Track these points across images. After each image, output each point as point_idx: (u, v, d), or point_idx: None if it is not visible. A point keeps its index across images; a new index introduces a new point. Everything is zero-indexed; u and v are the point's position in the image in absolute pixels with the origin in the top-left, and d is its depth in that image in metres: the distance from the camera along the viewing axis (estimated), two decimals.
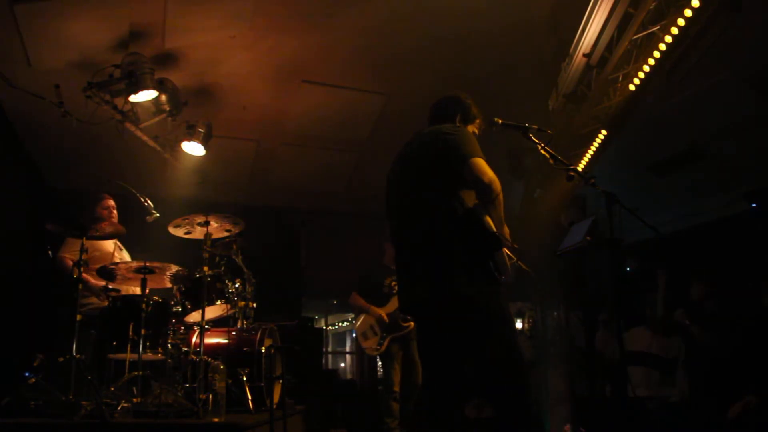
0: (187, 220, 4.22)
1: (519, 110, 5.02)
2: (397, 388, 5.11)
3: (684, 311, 4.42)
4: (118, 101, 4.50)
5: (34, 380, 3.38)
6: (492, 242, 2.55)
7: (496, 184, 2.57)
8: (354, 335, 6.13)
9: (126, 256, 4.69)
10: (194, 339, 4.25)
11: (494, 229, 2.57)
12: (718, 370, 4.10)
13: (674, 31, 3.74)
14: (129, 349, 3.69)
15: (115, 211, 4.60)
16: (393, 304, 5.20)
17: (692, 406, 4.15)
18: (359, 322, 5.58)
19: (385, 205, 2.88)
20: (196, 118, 5.07)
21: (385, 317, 5.21)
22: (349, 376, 11.77)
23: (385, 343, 5.21)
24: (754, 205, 5.42)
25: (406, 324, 5.19)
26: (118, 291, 4.02)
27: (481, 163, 2.57)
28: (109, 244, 4.62)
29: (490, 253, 2.55)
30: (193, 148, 5.11)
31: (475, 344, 2.55)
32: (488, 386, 2.59)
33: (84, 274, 3.85)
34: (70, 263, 4.07)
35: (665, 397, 4.63)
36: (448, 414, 2.61)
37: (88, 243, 4.29)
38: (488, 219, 2.59)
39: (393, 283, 5.32)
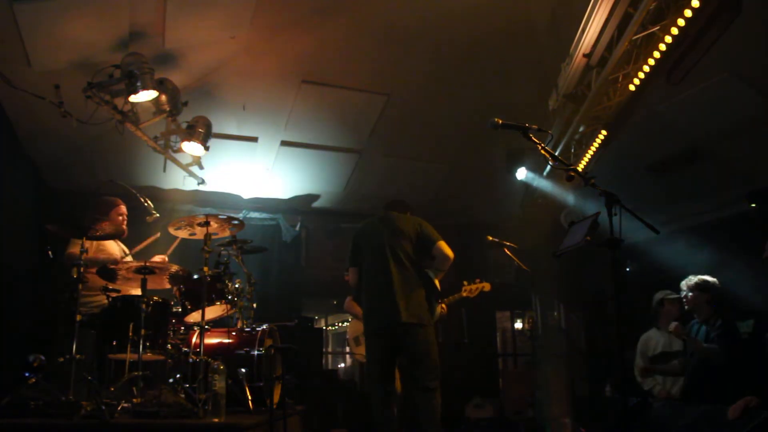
0: (185, 221, 4.22)
1: (519, 110, 5.03)
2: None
3: (679, 325, 4.41)
4: (118, 101, 4.49)
5: (34, 380, 3.38)
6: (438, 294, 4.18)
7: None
8: (347, 338, 6.17)
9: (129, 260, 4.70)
10: (194, 339, 4.25)
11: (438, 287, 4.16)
12: (717, 373, 4.08)
13: (674, 31, 3.73)
14: (129, 349, 3.69)
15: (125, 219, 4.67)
16: None
17: (690, 403, 4.14)
18: (351, 327, 5.59)
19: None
20: (196, 118, 5.07)
21: None
22: (349, 377, 11.76)
23: None
24: (753, 205, 5.42)
25: None
26: (118, 291, 4.01)
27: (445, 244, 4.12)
28: (114, 247, 4.61)
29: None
30: (193, 148, 5.10)
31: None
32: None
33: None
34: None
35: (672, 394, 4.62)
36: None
37: (92, 244, 4.30)
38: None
39: None
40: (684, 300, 4.53)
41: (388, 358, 3.98)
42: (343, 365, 12.80)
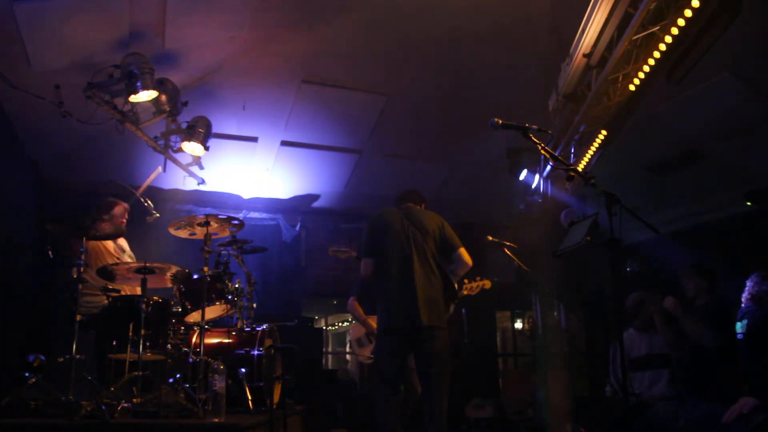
0: (185, 221, 4.22)
1: (519, 110, 5.03)
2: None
3: (672, 298, 4.34)
4: (118, 101, 4.49)
5: (34, 380, 3.38)
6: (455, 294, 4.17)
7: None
8: (349, 339, 6.15)
9: (127, 259, 4.70)
10: (194, 339, 4.25)
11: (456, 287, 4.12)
12: (709, 367, 4.07)
13: (674, 31, 3.73)
14: (129, 349, 3.69)
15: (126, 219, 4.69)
16: None
17: (691, 402, 4.14)
18: (354, 329, 5.56)
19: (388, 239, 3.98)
20: (196, 118, 5.07)
21: None
22: (349, 377, 11.75)
23: None
24: (749, 203, 5.43)
25: None
26: (118, 291, 4.02)
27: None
28: (111, 246, 4.62)
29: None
30: (193, 148, 5.10)
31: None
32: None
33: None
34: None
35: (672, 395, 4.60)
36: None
37: (92, 245, 4.30)
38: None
39: None
40: (685, 289, 4.49)
41: (402, 357, 3.89)
42: (343, 365, 12.81)
